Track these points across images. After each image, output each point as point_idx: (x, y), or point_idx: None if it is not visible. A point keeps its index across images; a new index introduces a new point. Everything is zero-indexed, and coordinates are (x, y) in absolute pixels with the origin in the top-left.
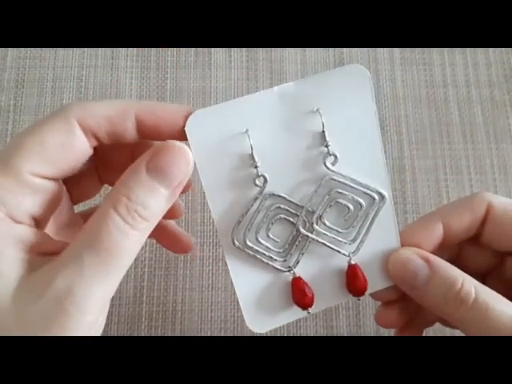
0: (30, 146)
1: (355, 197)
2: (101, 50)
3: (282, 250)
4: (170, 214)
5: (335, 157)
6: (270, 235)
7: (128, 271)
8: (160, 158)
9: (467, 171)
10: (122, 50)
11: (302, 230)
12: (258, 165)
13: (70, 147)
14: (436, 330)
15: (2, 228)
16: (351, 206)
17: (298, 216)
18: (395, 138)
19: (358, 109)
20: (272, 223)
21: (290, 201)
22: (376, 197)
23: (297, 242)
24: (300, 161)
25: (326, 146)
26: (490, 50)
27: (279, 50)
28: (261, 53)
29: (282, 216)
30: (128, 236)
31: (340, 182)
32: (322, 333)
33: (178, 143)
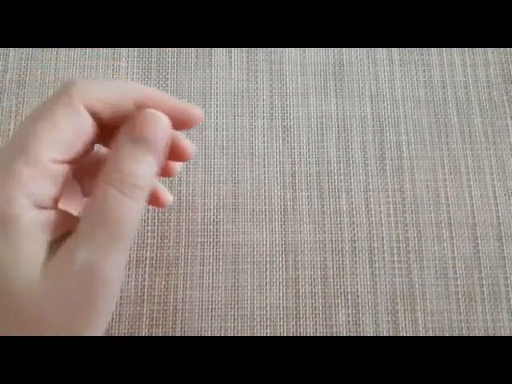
0: (46, 133)
1: None
2: (102, 51)
3: None
4: (164, 174)
5: None
6: None
7: (129, 271)
8: (137, 127)
9: (466, 171)
10: (123, 51)
11: None
12: None
13: (81, 131)
14: (436, 330)
15: (32, 216)
16: None
17: None
18: (394, 139)
19: None
20: None
21: None
22: None
23: None
24: None
25: None
26: (489, 50)
27: (279, 50)
28: (261, 54)
29: None
30: (129, 207)
31: None
32: (321, 332)
33: (152, 111)
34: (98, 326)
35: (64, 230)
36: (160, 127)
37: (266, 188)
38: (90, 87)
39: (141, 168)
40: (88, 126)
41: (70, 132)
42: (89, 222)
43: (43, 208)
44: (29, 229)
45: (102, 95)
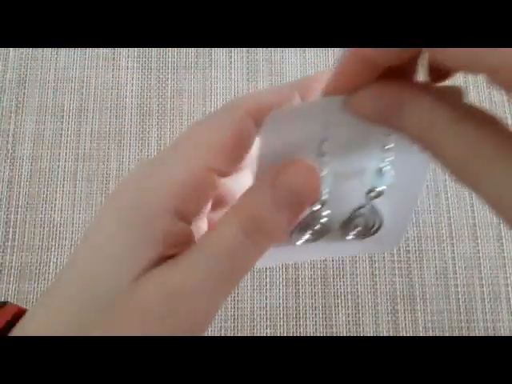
0: (208, 138)
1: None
2: (102, 51)
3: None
4: None
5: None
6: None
7: None
8: (286, 176)
9: None
10: (123, 51)
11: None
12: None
13: (244, 135)
14: (436, 330)
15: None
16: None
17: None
18: None
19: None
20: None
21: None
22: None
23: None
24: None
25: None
26: None
27: (279, 50)
28: (261, 54)
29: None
30: (249, 254)
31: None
32: (321, 331)
33: (306, 161)
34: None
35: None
36: (315, 183)
37: None
38: (257, 99)
39: (277, 220)
40: (250, 131)
41: (229, 139)
42: (201, 250)
43: (181, 219)
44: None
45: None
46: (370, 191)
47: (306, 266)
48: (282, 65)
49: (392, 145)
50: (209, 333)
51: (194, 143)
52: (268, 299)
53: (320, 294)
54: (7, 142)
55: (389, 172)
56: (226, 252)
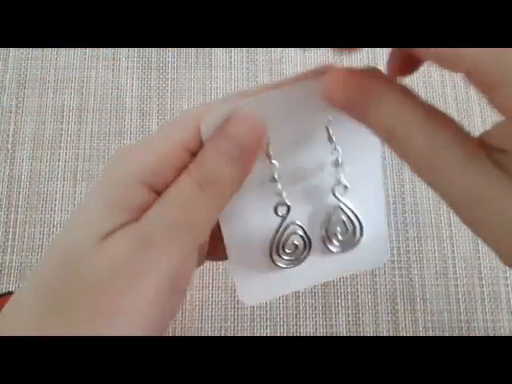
0: None
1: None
2: (102, 51)
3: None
4: None
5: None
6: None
7: None
8: (229, 125)
9: None
10: (123, 51)
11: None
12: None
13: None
14: (436, 330)
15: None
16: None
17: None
18: None
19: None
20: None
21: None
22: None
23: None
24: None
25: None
26: None
27: (279, 51)
28: (261, 54)
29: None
30: (203, 202)
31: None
32: (321, 332)
33: (248, 112)
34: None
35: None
36: (255, 132)
37: None
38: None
39: (223, 166)
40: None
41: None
42: (163, 205)
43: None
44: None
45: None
46: (334, 189)
47: None
48: (282, 65)
49: (335, 135)
50: (209, 333)
51: (170, 127)
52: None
53: (320, 294)
54: (7, 142)
55: (343, 163)
56: (183, 204)
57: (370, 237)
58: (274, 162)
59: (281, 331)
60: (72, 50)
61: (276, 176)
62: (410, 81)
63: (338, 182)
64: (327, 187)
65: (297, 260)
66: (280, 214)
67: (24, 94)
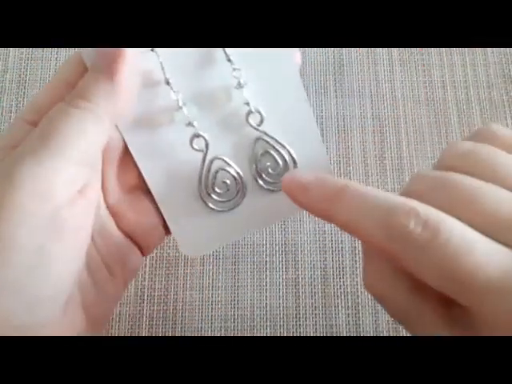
0: None
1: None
2: None
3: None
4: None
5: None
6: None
7: None
8: (98, 53)
9: None
10: None
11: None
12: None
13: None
14: None
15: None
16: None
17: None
18: (394, 139)
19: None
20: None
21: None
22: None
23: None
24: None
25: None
26: (489, 50)
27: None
28: None
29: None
30: (67, 113)
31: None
32: (321, 332)
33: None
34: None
35: None
36: (119, 52)
37: None
38: None
39: (89, 83)
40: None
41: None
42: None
43: None
44: None
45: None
46: (248, 115)
47: (306, 266)
48: None
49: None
50: (209, 333)
51: (60, 68)
52: (268, 299)
53: (320, 294)
54: None
55: (248, 83)
56: (48, 121)
57: (307, 167)
58: (175, 90)
59: (281, 331)
60: (72, 50)
61: (181, 104)
62: (411, 81)
63: (253, 109)
64: (242, 116)
65: (231, 201)
66: (197, 147)
67: (24, 94)
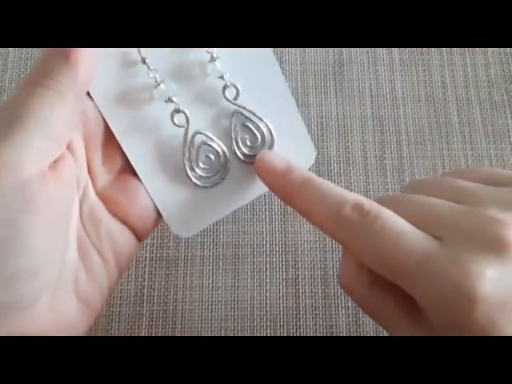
0: None
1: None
2: None
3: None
4: None
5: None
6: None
7: (128, 271)
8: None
9: None
10: None
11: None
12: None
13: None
14: None
15: None
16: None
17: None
18: (394, 138)
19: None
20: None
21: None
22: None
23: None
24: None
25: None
26: (489, 50)
27: (279, 50)
28: None
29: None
30: (31, 91)
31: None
32: (321, 332)
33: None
34: None
35: None
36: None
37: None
38: None
39: (54, 61)
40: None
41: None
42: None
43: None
44: None
45: None
46: (224, 89)
47: (306, 266)
48: (282, 65)
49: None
50: (209, 333)
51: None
52: (268, 299)
53: (320, 294)
54: None
55: (221, 57)
56: (16, 94)
57: (286, 139)
58: (152, 67)
59: (281, 331)
60: None
61: (158, 80)
62: (411, 81)
63: (228, 83)
64: (218, 90)
65: (215, 175)
66: (178, 122)
67: None
